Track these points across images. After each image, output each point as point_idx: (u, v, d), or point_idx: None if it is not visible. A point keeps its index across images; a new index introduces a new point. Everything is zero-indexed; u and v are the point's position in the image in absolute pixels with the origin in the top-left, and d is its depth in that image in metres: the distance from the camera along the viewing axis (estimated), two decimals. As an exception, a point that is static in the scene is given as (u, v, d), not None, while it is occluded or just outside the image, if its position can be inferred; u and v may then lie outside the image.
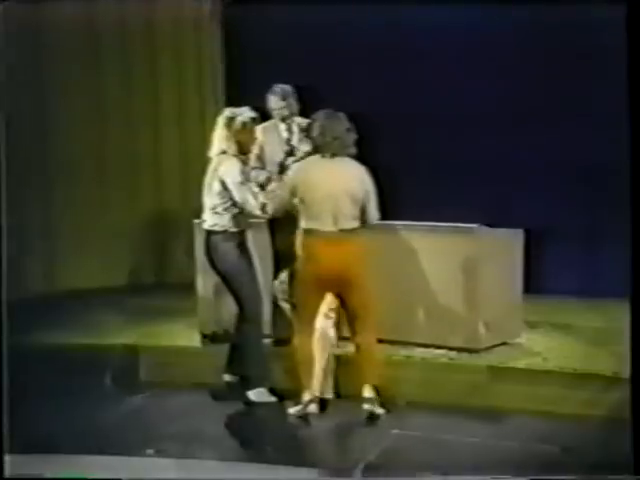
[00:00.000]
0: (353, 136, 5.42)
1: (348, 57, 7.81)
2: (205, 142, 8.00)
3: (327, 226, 5.32)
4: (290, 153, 6.10)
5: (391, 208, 6.04)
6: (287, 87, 6.20)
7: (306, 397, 5.45)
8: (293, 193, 5.39)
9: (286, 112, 6.16)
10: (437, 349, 5.92)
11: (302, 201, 5.35)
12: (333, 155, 5.36)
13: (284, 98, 6.15)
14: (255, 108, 5.78)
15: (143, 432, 5.28)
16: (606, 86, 6.47)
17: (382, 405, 5.43)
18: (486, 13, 7.22)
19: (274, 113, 6.18)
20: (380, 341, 5.61)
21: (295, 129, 6.16)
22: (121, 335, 6.60)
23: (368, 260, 5.44)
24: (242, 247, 5.68)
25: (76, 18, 8.02)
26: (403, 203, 6.85)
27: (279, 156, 6.11)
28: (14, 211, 7.17)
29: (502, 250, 6.09)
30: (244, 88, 7.95)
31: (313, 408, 5.45)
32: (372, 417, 5.39)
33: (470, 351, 5.86)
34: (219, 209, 5.61)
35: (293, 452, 5.04)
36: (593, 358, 5.73)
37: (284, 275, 5.93)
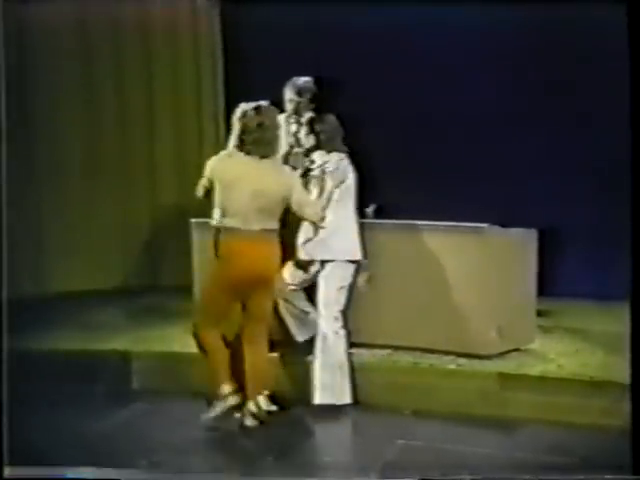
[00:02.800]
0: (273, 134, 5.40)
1: (354, 55, 7.81)
2: (201, 141, 8.24)
3: (246, 225, 5.30)
4: (295, 145, 6.16)
5: (400, 207, 6.15)
6: (309, 81, 6.26)
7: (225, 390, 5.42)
8: (210, 185, 5.36)
9: (297, 104, 6.21)
10: (445, 355, 5.89)
11: (219, 196, 5.32)
12: (249, 152, 5.35)
13: (302, 92, 6.21)
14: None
15: (137, 443, 5.22)
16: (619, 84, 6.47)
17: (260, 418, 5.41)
18: (492, 13, 7.24)
19: (286, 104, 6.23)
20: (356, 346, 5.70)
21: (304, 123, 6.20)
22: (114, 340, 6.54)
23: (278, 265, 5.48)
24: None
25: (70, 15, 8.04)
26: (412, 202, 6.84)
27: (284, 149, 6.15)
28: (6, 213, 7.21)
29: (515, 251, 6.08)
30: (244, 86, 7.94)
31: (232, 400, 5.41)
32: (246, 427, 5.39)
33: (481, 357, 5.84)
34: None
35: (293, 463, 4.97)
36: (610, 365, 5.70)
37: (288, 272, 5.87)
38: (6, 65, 7.63)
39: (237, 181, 5.29)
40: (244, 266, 5.31)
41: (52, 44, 8.05)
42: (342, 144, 5.82)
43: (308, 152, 5.93)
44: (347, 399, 5.66)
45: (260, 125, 5.30)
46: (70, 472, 4.70)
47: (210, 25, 8.47)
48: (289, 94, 6.24)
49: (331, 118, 5.84)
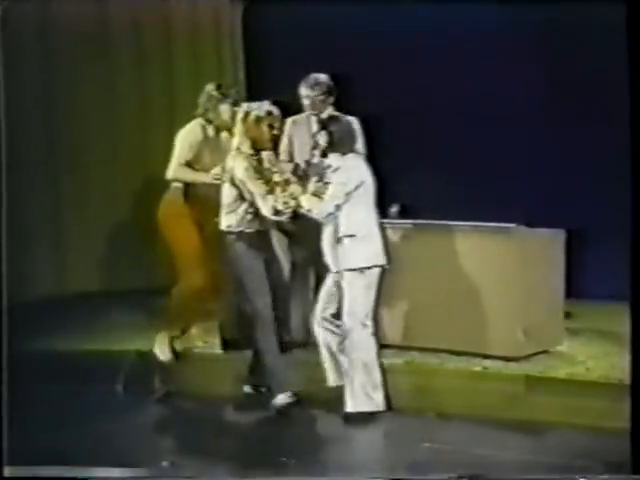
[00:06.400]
0: None
1: (374, 54, 7.88)
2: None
3: None
4: (315, 147, 6.05)
5: (425, 207, 6.19)
6: (322, 76, 6.25)
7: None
8: None
9: (313, 100, 6.20)
10: (471, 357, 5.89)
11: None
12: None
13: (313, 86, 6.20)
14: (275, 102, 5.78)
15: (157, 444, 5.32)
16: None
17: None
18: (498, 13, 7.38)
19: (303, 102, 6.24)
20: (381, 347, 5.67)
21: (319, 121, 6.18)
22: (135, 340, 6.59)
23: (175, 217, 6.17)
24: (258, 249, 5.65)
25: (90, 15, 8.10)
26: (438, 202, 6.92)
27: (306, 150, 6.10)
28: (22, 211, 7.31)
29: (542, 251, 6.08)
30: (265, 87, 8.06)
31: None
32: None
33: (507, 359, 5.84)
34: (231, 208, 5.63)
35: (316, 465, 5.00)
36: (640, 368, 5.68)
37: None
38: (29, 63, 7.81)
39: None
40: None
41: (73, 41, 8.09)
42: (356, 147, 5.65)
43: (324, 154, 5.67)
44: (377, 407, 5.57)
45: None
46: (74, 473, 4.72)
47: (232, 24, 8.57)
48: (303, 90, 6.22)
49: (345, 120, 5.70)
